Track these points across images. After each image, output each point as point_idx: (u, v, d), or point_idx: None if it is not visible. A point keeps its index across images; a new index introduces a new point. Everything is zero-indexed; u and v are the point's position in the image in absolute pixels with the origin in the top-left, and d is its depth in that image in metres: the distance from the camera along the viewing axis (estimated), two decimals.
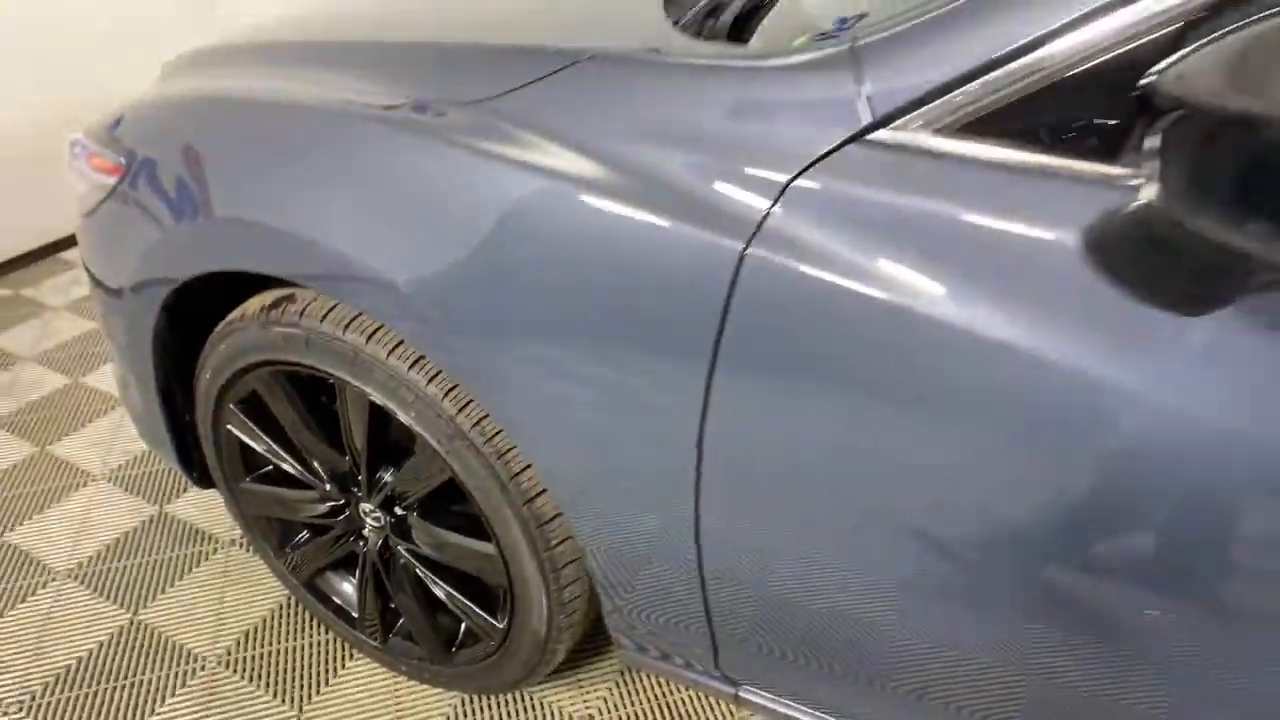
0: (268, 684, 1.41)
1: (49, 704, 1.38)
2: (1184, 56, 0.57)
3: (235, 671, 1.43)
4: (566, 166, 0.85)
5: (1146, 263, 0.62)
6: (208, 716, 1.36)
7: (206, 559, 1.65)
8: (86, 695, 1.39)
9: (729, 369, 0.80)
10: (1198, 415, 0.64)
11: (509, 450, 1.02)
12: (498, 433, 1.02)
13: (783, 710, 1.08)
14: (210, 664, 1.44)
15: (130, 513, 1.76)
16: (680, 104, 0.83)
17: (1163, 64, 0.58)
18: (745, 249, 0.76)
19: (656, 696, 1.39)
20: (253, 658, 1.45)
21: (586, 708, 1.37)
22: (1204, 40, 0.57)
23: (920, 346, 0.71)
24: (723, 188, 0.78)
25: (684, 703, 1.38)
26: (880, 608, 0.86)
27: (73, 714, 1.36)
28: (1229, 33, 0.56)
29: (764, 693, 1.08)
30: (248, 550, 1.65)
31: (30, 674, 1.43)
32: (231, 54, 1.29)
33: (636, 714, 1.36)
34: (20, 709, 1.37)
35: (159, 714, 1.36)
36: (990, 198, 0.70)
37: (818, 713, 1.06)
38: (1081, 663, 0.77)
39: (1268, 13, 0.57)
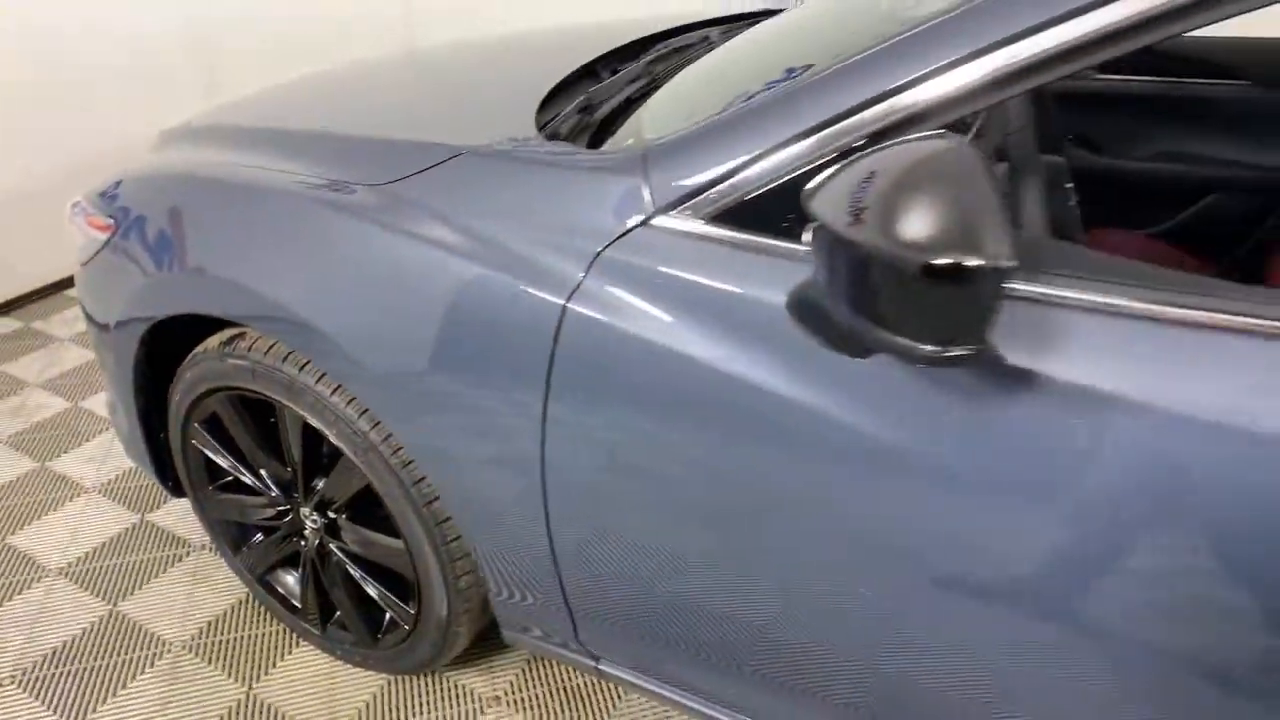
0: (223, 665, 1.64)
1: (39, 678, 1.61)
2: (827, 177, 0.81)
3: (196, 655, 1.66)
4: (443, 238, 1.10)
5: (815, 318, 0.85)
6: (171, 691, 1.59)
7: (179, 560, 1.88)
8: (71, 672, 1.62)
9: (557, 396, 1.04)
10: (849, 421, 0.88)
11: (410, 462, 1.26)
12: (400, 448, 1.26)
13: (639, 683, 1.30)
14: (175, 648, 1.67)
15: (116, 520, 2.00)
16: (526, 191, 1.09)
17: (813, 181, 0.82)
18: (566, 304, 1.01)
19: (557, 680, 1.61)
20: (212, 643, 1.68)
21: (494, 689, 1.59)
22: (841, 165, 0.81)
23: (682, 374, 0.96)
24: (552, 257, 1.03)
25: (581, 687, 1.60)
26: (703, 593, 1.09)
27: (59, 687, 1.59)
28: (854, 161, 0.80)
29: (621, 666, 1.31)
30: (214, 553, 1.88)
31: (25, 653, 1.66)
32: (210, 133, 1.56)
33: (538, 695, 1.58)
34: (14, 682, 1.60)
35: (130, 688, 1.59)
36: (732, 269, 0.94)
37: (670, 687, 1.28)
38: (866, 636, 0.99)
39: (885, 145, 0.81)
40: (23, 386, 2.54)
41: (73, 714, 1.55)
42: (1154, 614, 0.81)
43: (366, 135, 1.32)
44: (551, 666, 1.64)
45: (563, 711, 1.55)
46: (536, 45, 1.88)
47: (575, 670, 1.62)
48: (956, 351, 0.68)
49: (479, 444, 1.15)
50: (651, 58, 1.55)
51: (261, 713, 1.55)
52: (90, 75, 3.04)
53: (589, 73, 1.56)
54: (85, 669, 1.63)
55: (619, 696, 1.58)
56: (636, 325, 0.97)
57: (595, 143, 1.21)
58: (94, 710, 1.56)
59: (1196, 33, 0.79)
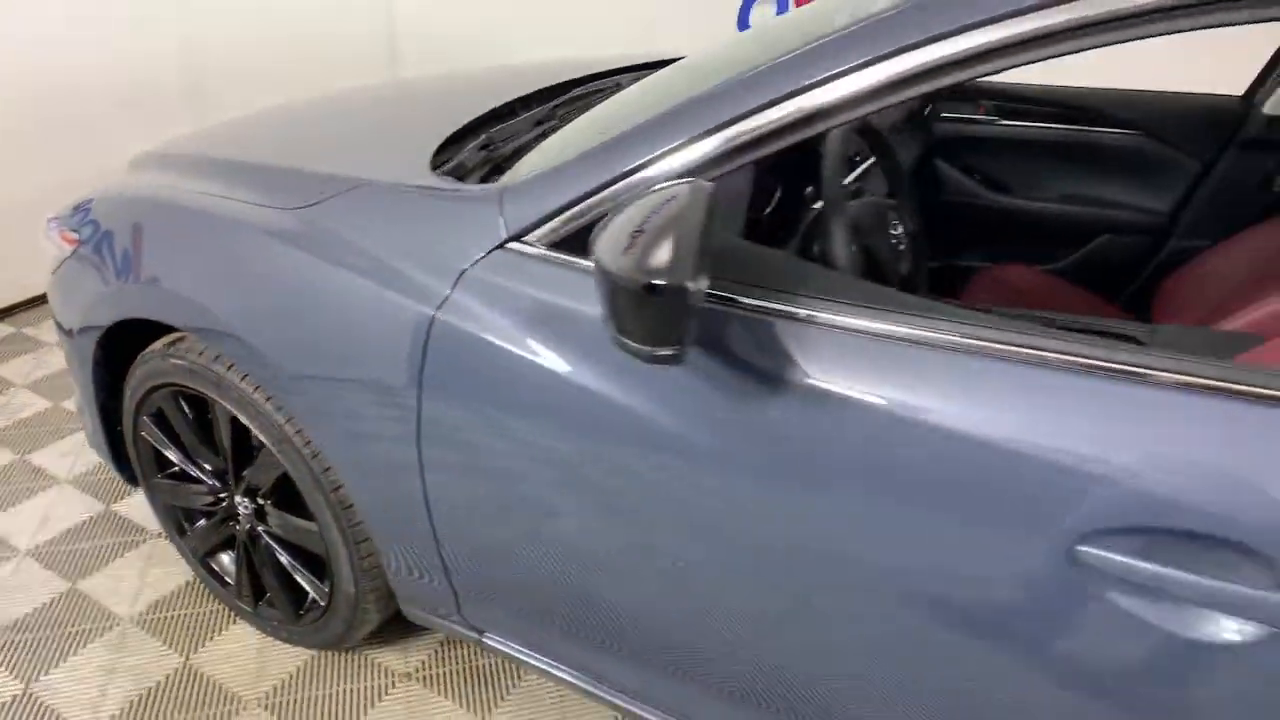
0: (165, 639, 1.80)
1: (11, 642, 1.79)
2: (609, 219, 0.97)
3: (143, 629, 1.83)
4: (340, 257, 1.28)
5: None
6: (116, 660, 1.76)
7: (136, 546, 2.06)
8: (30, 640, 1.80)
9: (429, 395, 1.22)
10: (646, 415, 1.05)
11: (318, 454, 1.44)
12: (310, 440, 1.43)
13: (521, 657, 1.46)
14: (125, 622, 1.84)
15: (83, 508, 2.18)
16: (410, 217, 1.27)
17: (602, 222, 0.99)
18: (435, 314, 1.19)
19: (466, 661, 1.77)
20: (157, 619, 1.85)
21: (407, 666, 1.75)
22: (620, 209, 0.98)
23: (525, 376, 1.13)
24: (426, 275, 1.21)
25: (487, 668, 1.75)
26: (561, 571, 1.25)
27: (18, 653, 1.77)
28: (623, 205, 0.97)
29: (503, 640, 1.47)
30: (168, 540, 2.06)
31: None
32: (175, 159, 1.72)
33: (447, 673, 1.74)
34: None
35: (80, 655, 1.77)
36: (566, 287, 1.12)
37: (551, 662, 1.44)
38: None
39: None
40: (9, 386, 2.74)
41: (28, 675, 1.72)
42: (867, 577, 0.98)
43: (293, 166, 1.50)
44: (462, 648, 1.80)
45: (466, 688, 1.71)
46: (468, 85, 2.08)
47: (483, 652, 1.78)
48: (663, 352, 0.85)
49: (371, 438, 1.32)
50: (559, 101, 1.74)
51: (195, 680, 1.72)
52: (89, 96, 3.27)
53: (510, 112, 1.75)
54: (42, 638, 1.80)
55: (519, 677, 1.74)
56: (490, 333, 1.15)
57: (491, 177, 1.39)
58: (47, 673, 1.73)
59: (1097, 84, 0.92)
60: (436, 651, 1.79)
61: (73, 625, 1.84)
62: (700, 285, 0.82)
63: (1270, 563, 0.79)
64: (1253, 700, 0.84)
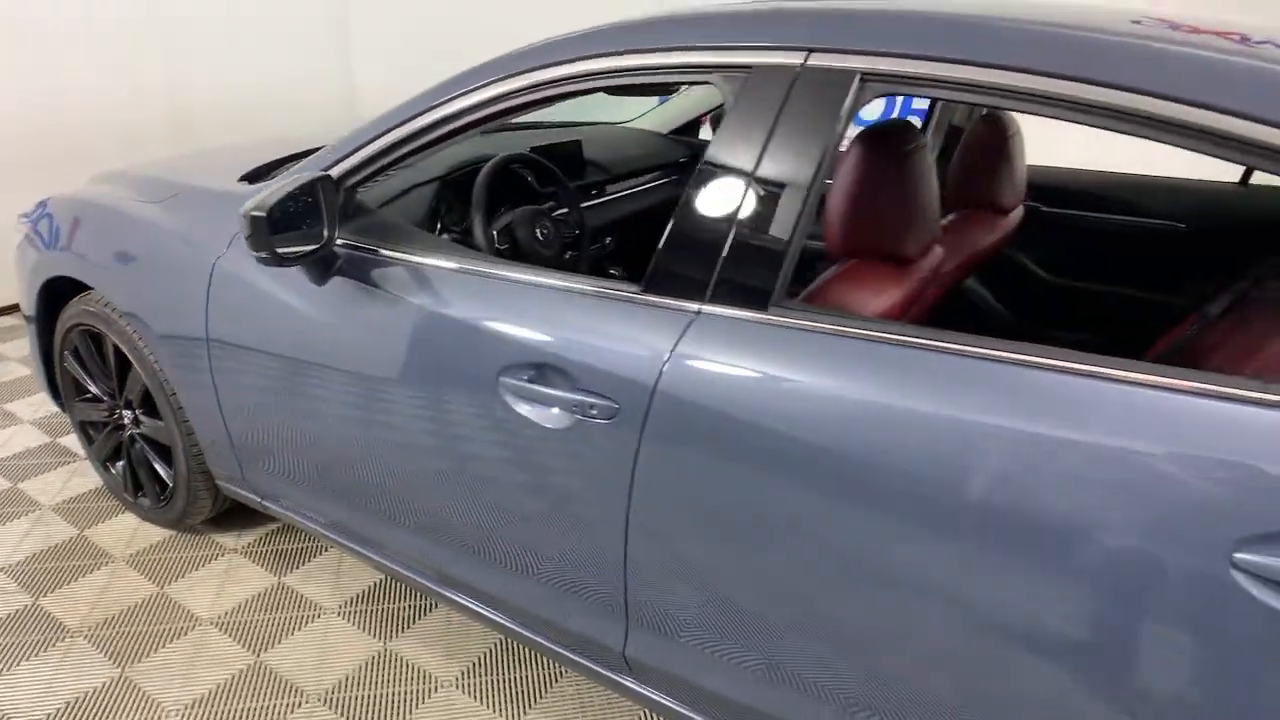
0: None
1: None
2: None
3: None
4: (165, 227, 1.99)
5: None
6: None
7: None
8: (127, 633, 2.45)
9: (211, 321, 1.89)
10: (322, 318, 1.71)
11: (161, 370, 2.11)
12: (157, 360, 2.11)
13: (298, 520, 2.08)
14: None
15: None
16: (209, 209, 1.97)
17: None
18: (215, 262, 1.87)
19: (291, 542, 2.38)
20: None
21: (240, 541, 2.37)
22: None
23: (263, 300, 1.79)
24: (212, 238, 1.90)
25: (308, 550, 2.36)
26: (325, 449, 1.83)
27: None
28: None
29: (282, 506, 2.10)
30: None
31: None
32: (119, 176, 2.42)
33: (272, 550, 2.34)
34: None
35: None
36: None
37: (323, 526, 2.03)
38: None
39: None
40: (4, 359, 3.49)
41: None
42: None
43: (167, 178, 2.23)
44: (293, 535, 2.41)
45: (281, 562, 2.32)
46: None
47: (308, 536, 2.39)
48: (259, 255, 1.55)
49: (185, 355, 2.00)
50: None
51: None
52: (82, 132, 4.06)
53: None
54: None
55: (322, 550, 2.35)
56: (243, 274, 1.83)
57: None
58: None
59: None
60: (270, 534, 2.40)
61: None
62: (331, 236, 1.62)
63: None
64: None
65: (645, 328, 1.32)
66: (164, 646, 2.01)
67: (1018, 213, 2.17)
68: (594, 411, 1.35)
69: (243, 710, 1.84)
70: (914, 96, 1.47)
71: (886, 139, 1.50)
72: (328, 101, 4.99)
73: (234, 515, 2.44)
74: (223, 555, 2.34)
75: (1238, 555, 0.93)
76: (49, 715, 1.81)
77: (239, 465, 2.08)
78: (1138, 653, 1.01)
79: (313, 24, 4.94)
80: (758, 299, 1.24)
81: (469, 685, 1.92)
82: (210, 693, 1.89)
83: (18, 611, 2.11)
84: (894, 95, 1.47)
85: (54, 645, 2.00)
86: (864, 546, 1.17)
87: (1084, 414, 1.03)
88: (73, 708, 1.84)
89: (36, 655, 1.97)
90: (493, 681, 1.94)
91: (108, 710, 1.83)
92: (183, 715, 1.82)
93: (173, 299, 1.97)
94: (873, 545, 1.16)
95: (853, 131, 1.43)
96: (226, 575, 2.27)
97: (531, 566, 1.58)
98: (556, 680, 1.95)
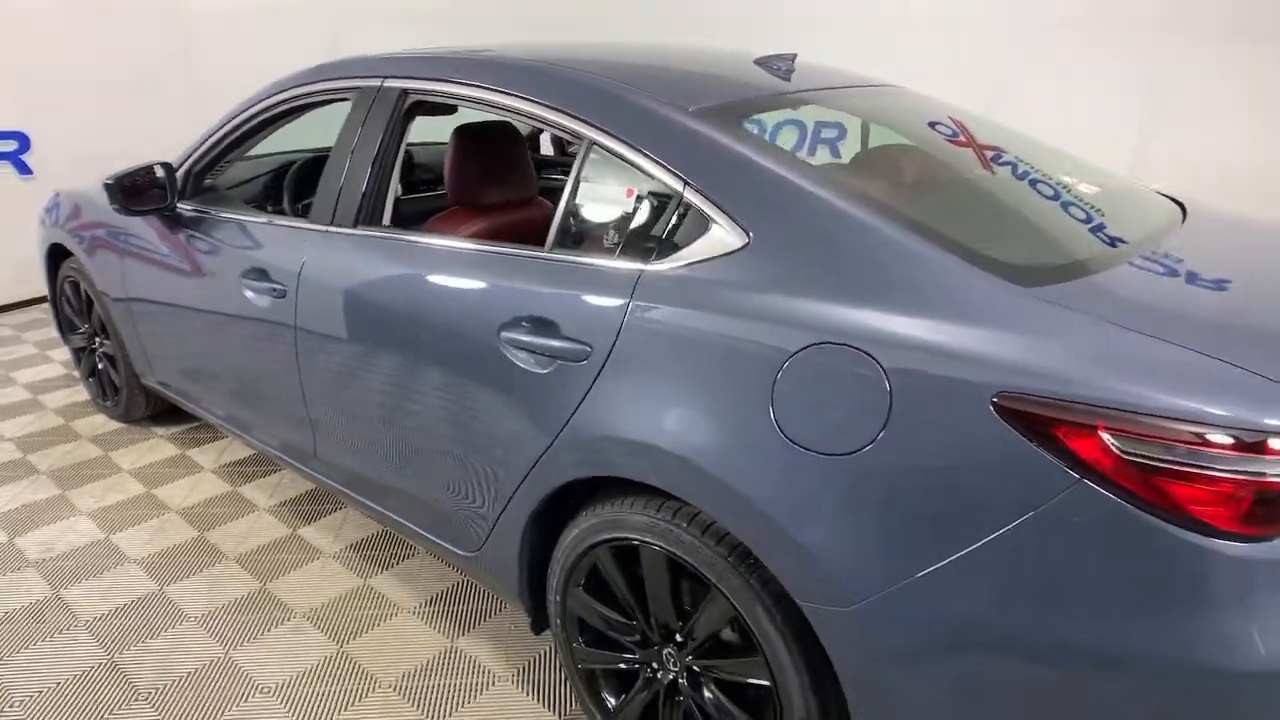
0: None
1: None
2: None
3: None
4: (103, 214, 2.78)
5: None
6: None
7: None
8: (234, 621, 2.82)
9: (126, 277, 2.66)
10: (185, 260, 2.27)
11: (111, 316, 2.96)
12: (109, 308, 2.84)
13: (183, 404, 2.81)
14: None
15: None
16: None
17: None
18: (129, 239, 2.47)
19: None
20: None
21: (509, 669, 2.62)
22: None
23: (158, 253, 2.65)
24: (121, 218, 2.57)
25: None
26: (192, 351, 2.72)
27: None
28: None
29: (175, 394, 2.80)
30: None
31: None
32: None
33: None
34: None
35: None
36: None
37: (206, 410, 2.76)
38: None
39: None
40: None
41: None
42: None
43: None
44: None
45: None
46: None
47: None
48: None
49: (111, 296, 2.87)
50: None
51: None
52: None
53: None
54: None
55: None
56: (138, 239, 2.75)
57: None
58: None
59: None
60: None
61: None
62: (171, 201, 2.57)
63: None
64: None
65: (309, 240, 2.21)
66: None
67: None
68: (276, 292, 2.23)
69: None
70: (429, 100, 2.09)
71: (474, 132, 2.24)
72: None
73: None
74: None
75: (502, 334, 1.71)
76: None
77: (149, 366, 2.99)
78: (476, 391, 1.80)
79: None
80: (346, 221, 2.13)
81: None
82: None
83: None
84: (424, 103, 2.11)
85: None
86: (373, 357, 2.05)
87: (437, 263, 1.92)
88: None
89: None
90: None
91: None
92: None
93: (112, 259, 2.89)
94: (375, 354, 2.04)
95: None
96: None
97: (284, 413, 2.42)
98: None
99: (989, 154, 2.09)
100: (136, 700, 2.03)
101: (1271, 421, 1.11)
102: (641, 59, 2.06)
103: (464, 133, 2.23)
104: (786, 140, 1.99)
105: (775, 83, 2.04)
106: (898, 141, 2.12)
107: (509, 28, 5.41)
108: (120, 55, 4.88)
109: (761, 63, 2.13)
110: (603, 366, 1.57)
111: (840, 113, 2.17)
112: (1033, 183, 1.92)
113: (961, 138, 2.19)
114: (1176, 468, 1.12)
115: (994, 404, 1.20)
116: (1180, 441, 1.12)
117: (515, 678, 2.11)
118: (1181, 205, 1.98)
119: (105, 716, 1.98)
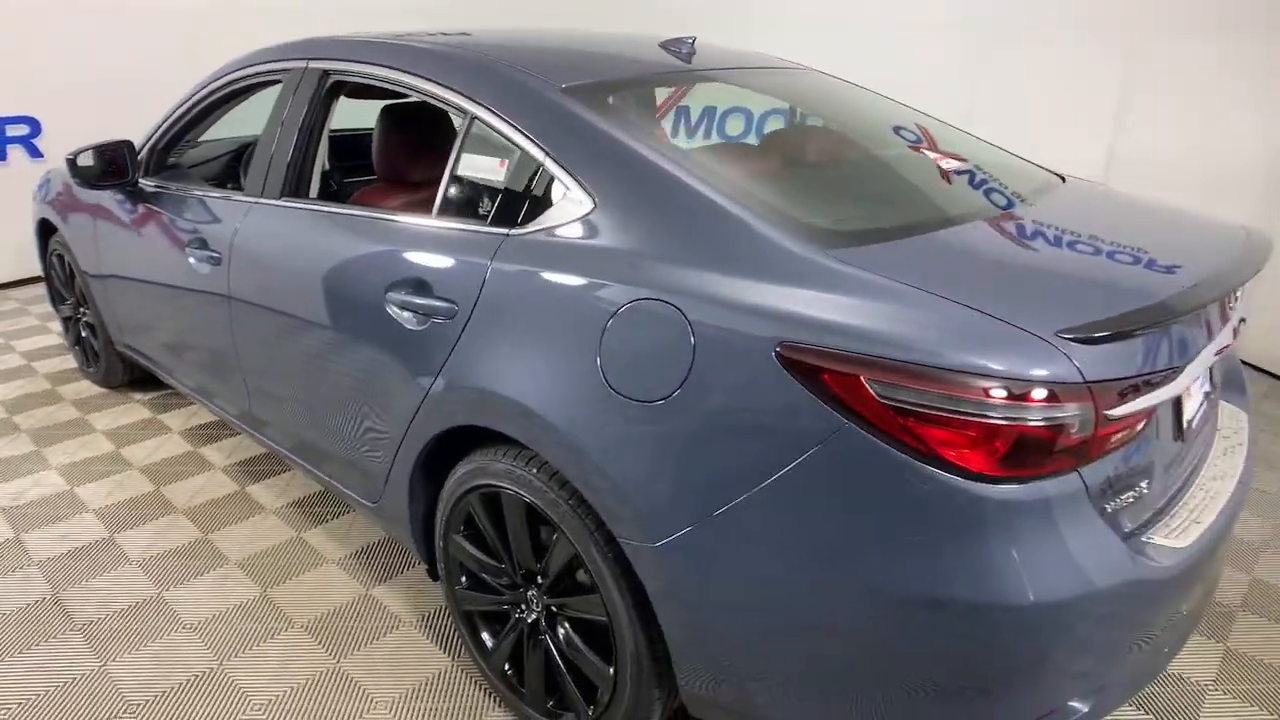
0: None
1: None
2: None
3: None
4: (75, 196, 3.04)
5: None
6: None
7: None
8: (231, 631, 3.01)
9: (100, 245, 2.88)
10: (150, 231, 2.37)
11: (88, 281, 3.16)
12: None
13: (155, 371, 2.98)
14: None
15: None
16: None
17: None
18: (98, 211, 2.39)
19: (195, 414, 2.78)
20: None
21: (149, 398, 2.79)
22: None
23: (126, 226, 2.79)
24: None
25: (214, 430, 2.76)
26: (158, 317, 2.91)
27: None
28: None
29: (147, 360, 3.02)
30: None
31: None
32: None
33: (176, 402, 2.75)
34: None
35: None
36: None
37: (170, 376, 2.92)
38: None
39: None
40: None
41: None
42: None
43: None
44: (204, 415, 2.81)
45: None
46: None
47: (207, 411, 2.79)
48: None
49: (88, 266, 3.09)
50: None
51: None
52: None
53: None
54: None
55: (198, 414, 2.73)
56: (110, 215, 2.91)
57: None
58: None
59: None
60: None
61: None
62: (132, 176, 2.76)
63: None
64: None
65: (241, 211, 2.40)
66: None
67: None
68: (213, 260, 2.42)
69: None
70: (347, 79, 2.26)
71: (397, 112, 2.35)
72: None
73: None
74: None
75: (388, 294, 1.84)
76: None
77: (120, 332, 3.23)
78: (367, 348, 1.96)
79: None
80: (273, 193, 2.32)
81: (426, 625, 2.23)
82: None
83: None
84: (342, 83, 2.28)
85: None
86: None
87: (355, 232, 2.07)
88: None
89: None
90: (447, 624, 2.23)
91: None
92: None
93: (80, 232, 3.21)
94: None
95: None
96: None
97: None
98: None
99: (878, 132, 2.18)
100: (72, 630, 2.20)
101: (1026, 371, 1.20)
102: (541, 42, 2.18)
103: (388, 112, 2.36)
104: (693, 115, 2.12)
105: (672, 63, 2.14)
106: (781, 114, 2.24)
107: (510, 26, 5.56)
108: (127, 45, 5.10)
109: (665, 45, 2.23)
110: (466, 323, 1.70)
111: (746, 90, 2.28)
112: (906, 158, 2.01)
113: (855, 117, 2.28)
114: (932, 413, 1.21)
115: (777, 354, 1.30)
116: (933, 388, 1.21)
117: (419, 623, 2.24)
118: (1063, 179, 2.06)
119: (42, 643, 2.15)
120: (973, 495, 1.22)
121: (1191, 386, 1.62)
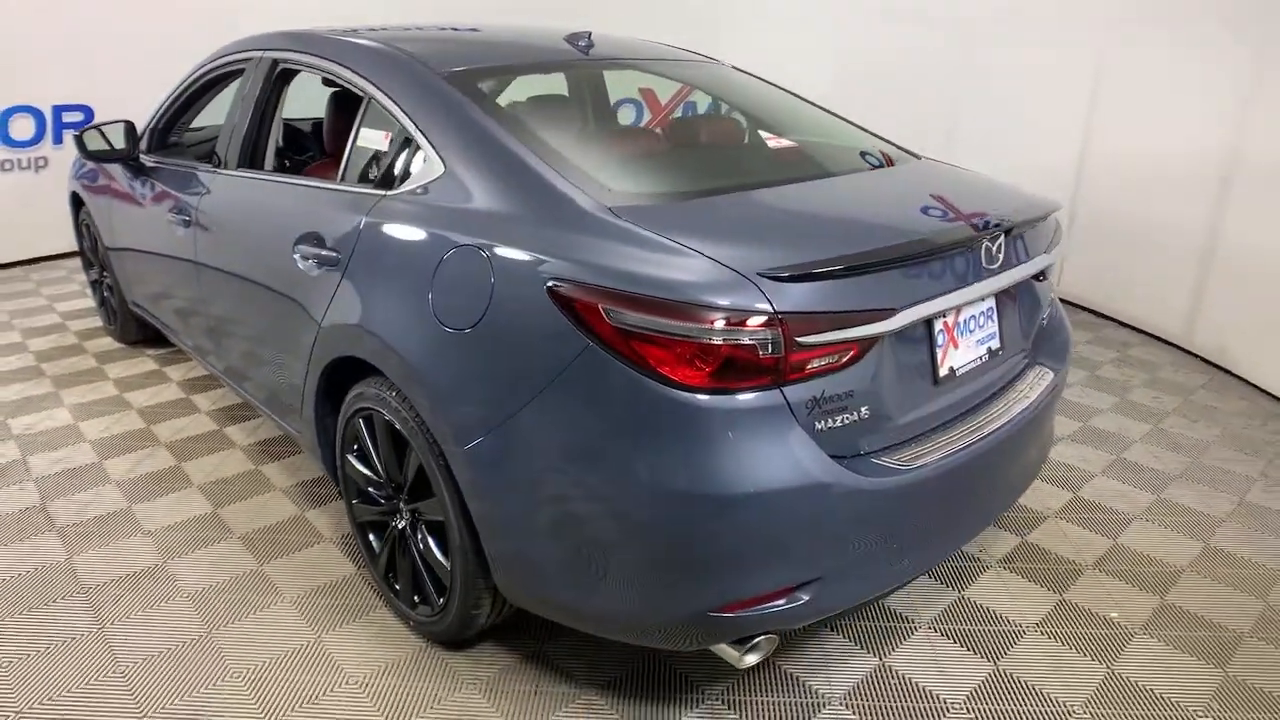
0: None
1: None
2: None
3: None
4: (96, 171, 3.53)
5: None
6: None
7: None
8: (229, 600, 3.46)
9: (111, 216, 3.34)
10: (148, 193, 2.74)
11: (100, 239, 3.56)
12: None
13: (169, 335, 3.30)
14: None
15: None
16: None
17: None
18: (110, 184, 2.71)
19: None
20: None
21: (160, 354, 3.17)
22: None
23: (125, 190, 2.97)
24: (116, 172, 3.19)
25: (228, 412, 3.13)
26: (160, 285, 3.21)
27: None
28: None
29: (156, 320, 3.40)
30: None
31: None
32: None
33: (181, 358, 3.12)
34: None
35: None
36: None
37: (172, 334, 3.26)
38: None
39: None
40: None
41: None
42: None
43: None
44: (201, 369, 3.18)
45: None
46: None
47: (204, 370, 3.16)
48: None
49: (105, 232, 3.55)
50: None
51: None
52: None
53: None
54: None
55: (196, 367, 3.09)
56: (124, 189, 3.25)
57: None
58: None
59: None
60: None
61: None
62: (130, 151, 2.97)
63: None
64: None
65: (207, 180, 2.79)
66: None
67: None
68: (185, 224, 2.83)
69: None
70: (290, 67, 2.61)
71: (342, 95, 2.55)
72: None
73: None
74: (229, 448, 3.14)
75: (296, 246, 2.18)
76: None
77: (129, 290, 3.68)
78: (281, 293, 2.31)
79: None
80: (230, 164, 2.70)
81: (345, 542, 2.56)
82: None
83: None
84: (290, 73, 2.63)
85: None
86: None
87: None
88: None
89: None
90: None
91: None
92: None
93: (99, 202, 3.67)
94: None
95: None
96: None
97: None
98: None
99: (749, 114, 2.45)
100: (50, 533, 2.60)
101: (725, 301, 1.46)
102: (455, 35, 2.50)
103: (335, 97, 2.71)
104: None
105: (570, 54, 2.44)
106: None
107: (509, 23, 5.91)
108: (172, 37, 5.61)
109: (568, 39, 2.53)
110: (345, 269, 2.02)
111: (650, 76, 2.60)
112: (754, 136, 2.28)
113: (734, 101, 2.55)
114: (653, 335, 1.48)
115: (548, 289, 1.58)
116: (654, 314, 1.48)
117: (339, 541, 2.58)
118: (918, 158, 2.31)
119: (22, 539, 2.56)
120: (686, 403, 1.48)
121: (962, 339, 1.85)
